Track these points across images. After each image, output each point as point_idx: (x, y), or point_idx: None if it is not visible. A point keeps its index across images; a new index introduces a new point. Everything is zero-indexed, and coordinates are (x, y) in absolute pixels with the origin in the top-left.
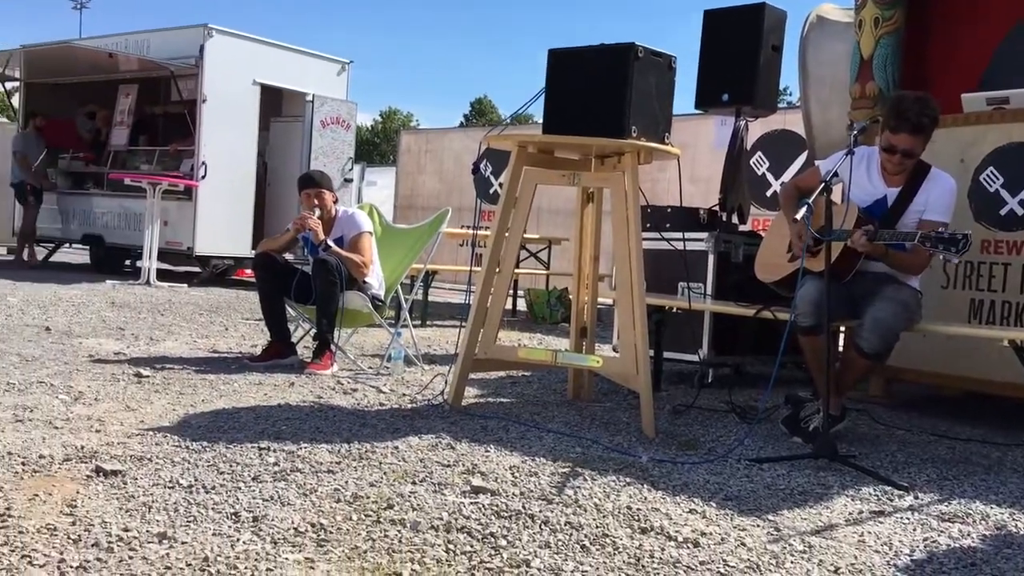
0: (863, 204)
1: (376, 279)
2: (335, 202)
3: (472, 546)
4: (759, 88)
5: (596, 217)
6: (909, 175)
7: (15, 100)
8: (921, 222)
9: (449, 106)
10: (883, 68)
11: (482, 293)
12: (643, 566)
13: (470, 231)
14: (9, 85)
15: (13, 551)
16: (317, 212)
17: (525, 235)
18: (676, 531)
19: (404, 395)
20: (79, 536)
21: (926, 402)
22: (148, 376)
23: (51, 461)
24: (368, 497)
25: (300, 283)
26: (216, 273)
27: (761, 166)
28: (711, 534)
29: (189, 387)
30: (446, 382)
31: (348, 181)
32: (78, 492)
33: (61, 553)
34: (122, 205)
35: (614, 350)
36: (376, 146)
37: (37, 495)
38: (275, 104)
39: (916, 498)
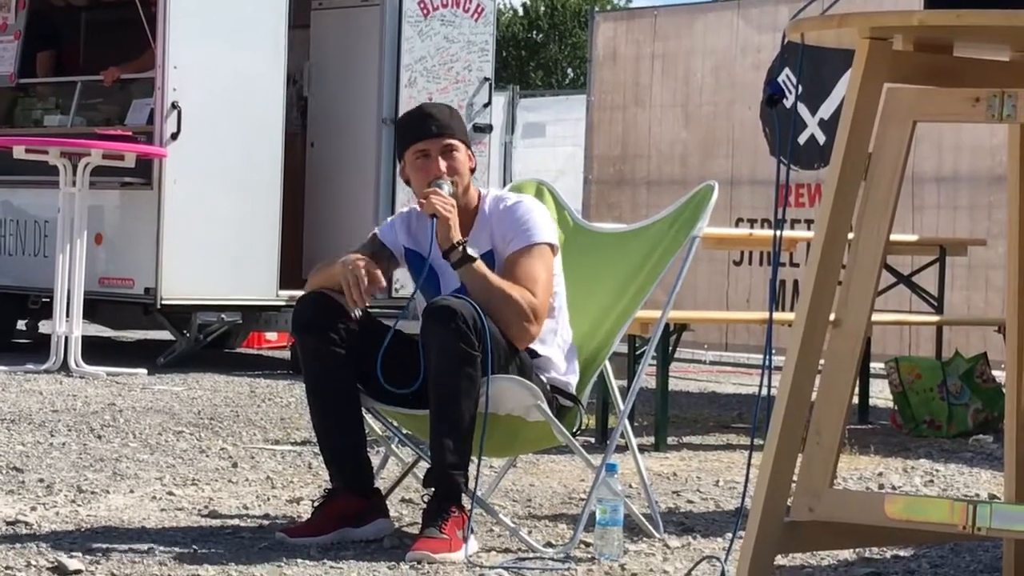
0: None
1: (560, 348)
2: (473, 170)
3: None
4: None
5: None
6: None
7: None
8: None
9: None
10: None
11: (796, 375)
12: None
13: (762, 232)
14: None
15: None
16: (447, 187)
17: (892, 237)
18: None
19: None
20: None
21: None
22: (78, 573)
23: None
24: None
25: (392, 358)
26: (207, 342)
27: None
28: None
29: None
30: None
31: (482, 130)
32: None
33: None
34: (7, 204)
35: None
36: (536, 51)
37: None
38: None
39: None
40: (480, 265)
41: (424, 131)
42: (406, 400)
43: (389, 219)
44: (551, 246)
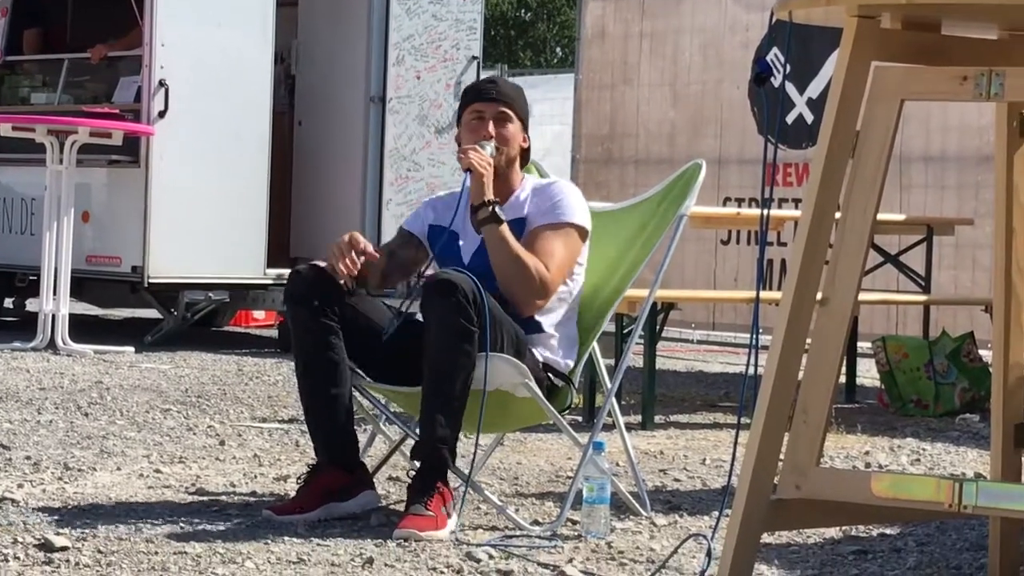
0: None
1: (565, 332)
2: (527, 148)
3: None
4: None
5: None
6: None
7: None
8: None
9: None
10: None
11: (783, 354)
12: None
13: (749, 211)
14: None
15: None
16: (490, 148)
17: (879, 216)
18: None
19: None
20: None
21: None
22: (64, 550)
23: None
24: None
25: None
26: (194, 320)
27: None
28: None
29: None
30: (708, 557)
31: None
32: None
33: None
34: None
35: None
36: (525, 30)
37: None
38: None
39: None
40: (505, 228)
41: (485, 93)
42: (397, 377)
43: (415, 209)
44: (579, 229)
